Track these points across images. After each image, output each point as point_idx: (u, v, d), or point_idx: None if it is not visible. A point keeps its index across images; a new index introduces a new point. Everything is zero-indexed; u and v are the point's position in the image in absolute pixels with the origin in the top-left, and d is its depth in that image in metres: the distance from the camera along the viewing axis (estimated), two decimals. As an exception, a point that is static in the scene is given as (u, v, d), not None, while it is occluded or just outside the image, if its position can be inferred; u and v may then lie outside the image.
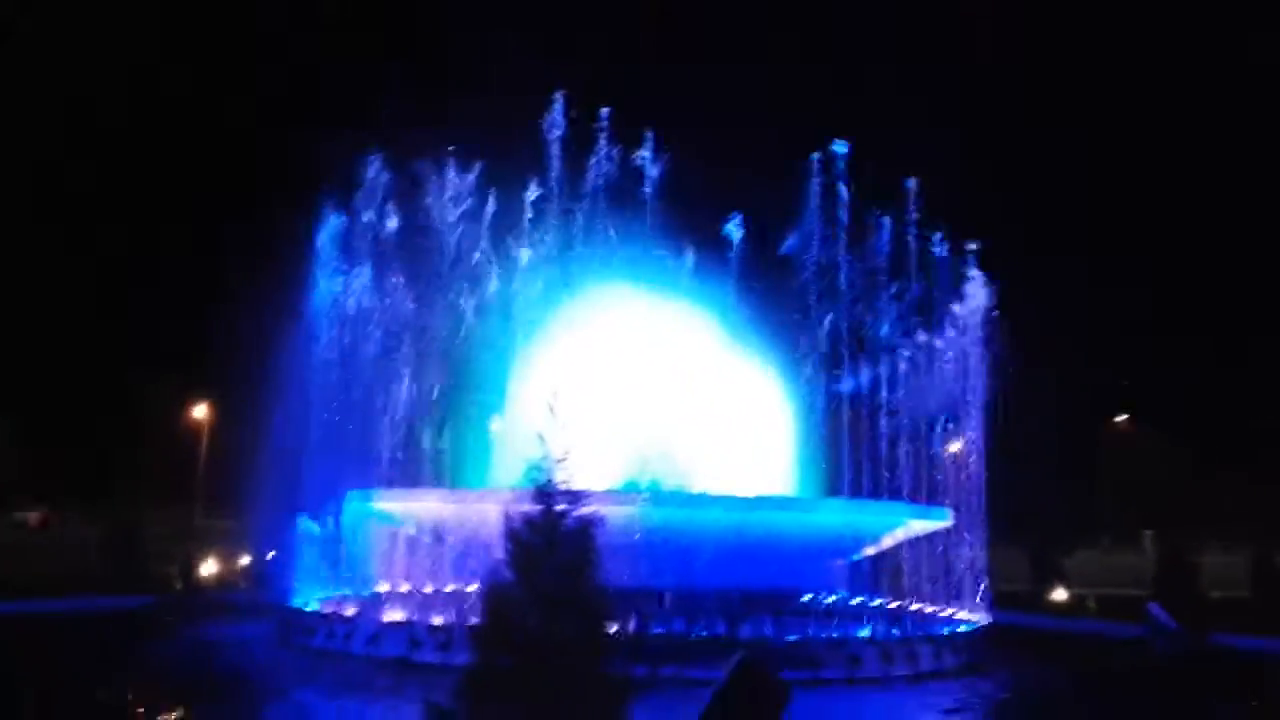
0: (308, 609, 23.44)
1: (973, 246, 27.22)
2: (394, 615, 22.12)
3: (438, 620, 20.84)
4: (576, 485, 9.53)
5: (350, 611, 22.58)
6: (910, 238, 27.97)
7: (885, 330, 28.08)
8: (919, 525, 24.83)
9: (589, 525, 9.33)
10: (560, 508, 9.22)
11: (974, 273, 27.17)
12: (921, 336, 27.93)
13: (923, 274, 27.54)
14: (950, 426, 27.26)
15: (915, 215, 28.01)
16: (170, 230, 52.20)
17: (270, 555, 32.57)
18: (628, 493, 21.21)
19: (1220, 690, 16.92)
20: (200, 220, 51.55)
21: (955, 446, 28.01)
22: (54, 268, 48.48)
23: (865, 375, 28.00)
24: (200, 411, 48.82)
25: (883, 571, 26.30)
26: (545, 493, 9.33)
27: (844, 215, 28.24)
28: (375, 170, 28.24)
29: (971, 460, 27.15)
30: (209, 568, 33.58)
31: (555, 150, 28.24)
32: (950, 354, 27.30)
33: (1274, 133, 51.29)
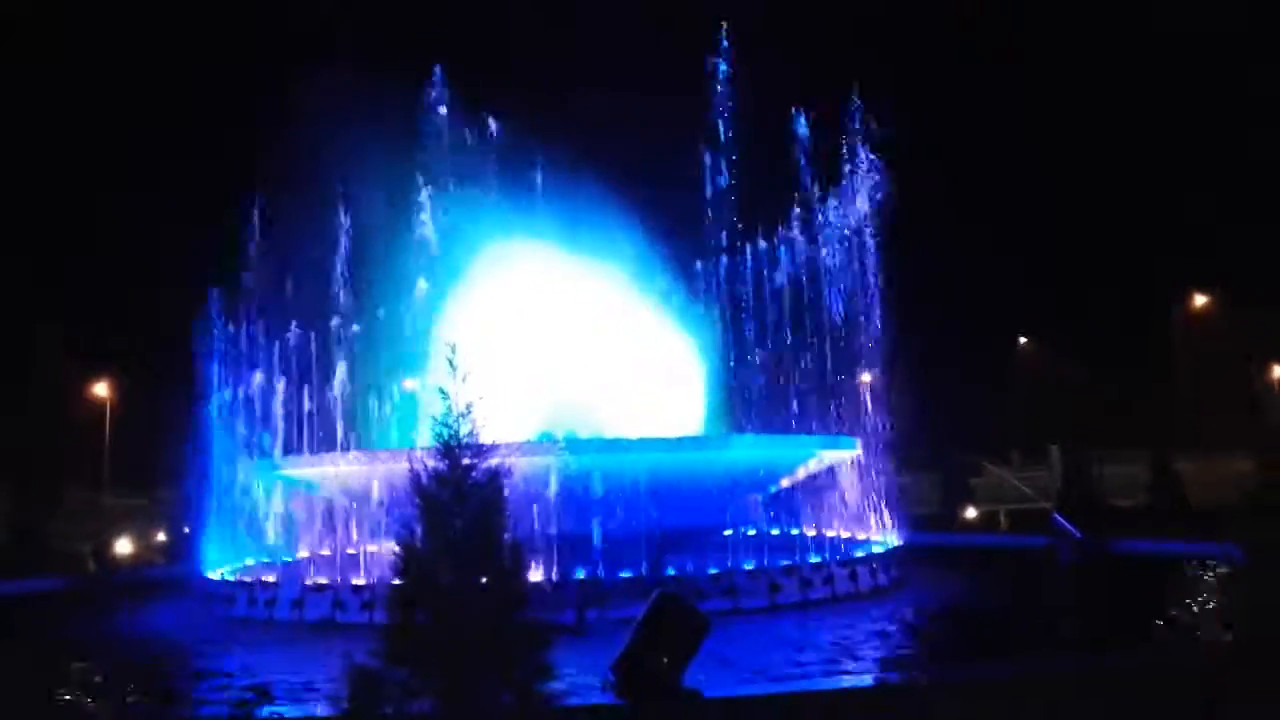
0: (228, 579, 23.22)
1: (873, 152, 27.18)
2: (317, 580, 22.01)
3: (359, 581, 20.82)
4: (485, 438, 9.56)
5: (271, 578, 22.41)
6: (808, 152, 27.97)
7: (788, 260, 28.35)
8: (829, 455, 25.40)
9: (497, 476, 9.37)
10: (466, 461, 9.25)
11: (874, 177, 27.26)
12: (824, 258, 28.20)
13: (823, 188, 27.70)
14: (858, 358, 27.76)
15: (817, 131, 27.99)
16: (70, 207, 50.22)
17: (186, 529, 32.07)
18: (543, 443, 21.28)
19: (1113, 589, 17.76)
20: (101, 196, 49.69)
21: (865, 378, 28.57)
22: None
23: (770, 311, 28.35)
24: (102, 389, 47.36)
25: (799, 503, 26.87)
26: (451, 447, 9.34)
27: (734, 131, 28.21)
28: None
29: (879, 389, 27.73)
30: (123, 546, 32.91)
31: (441, 114, 27.89)
32: (853, 281, 27.70)
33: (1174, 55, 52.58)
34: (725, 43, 28.50)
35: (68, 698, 10.18)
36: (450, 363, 9.52)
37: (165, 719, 10.30)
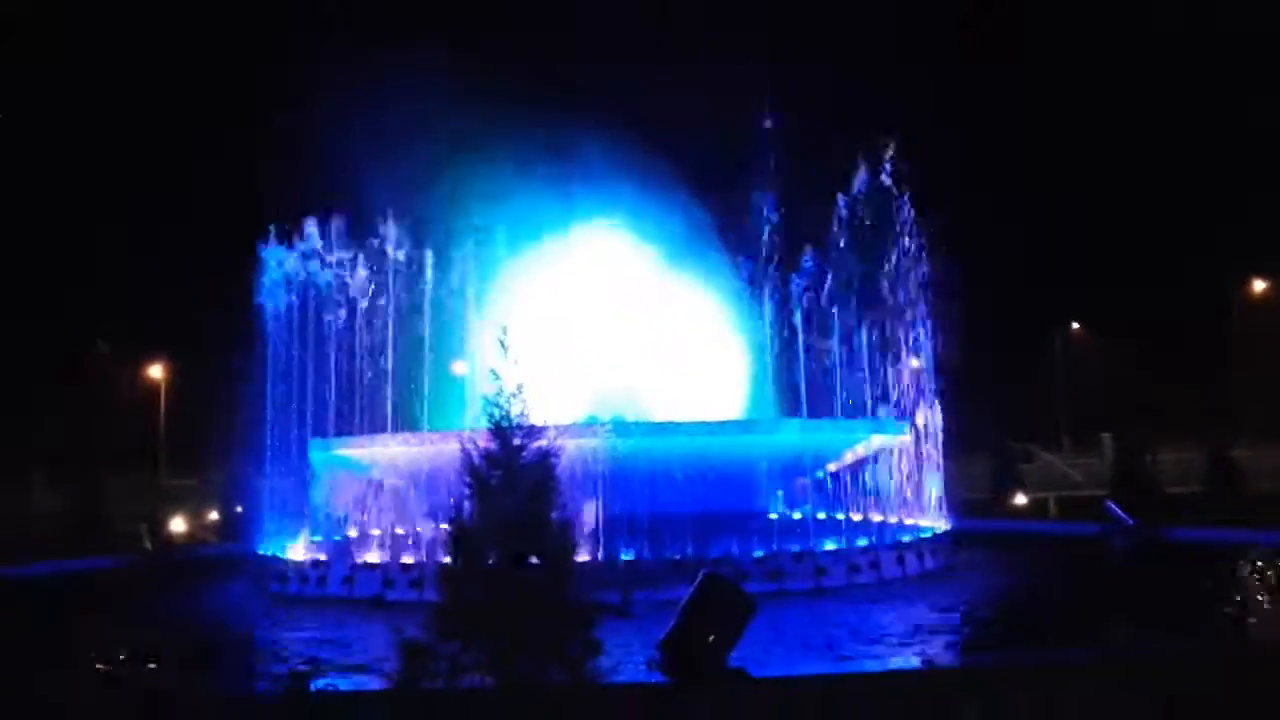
0: (281, 557, 23.60)
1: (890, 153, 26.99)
2: (367, 558, 22.32)
3: (408, 560, 21.08)
4: (535, 420, 9.65)
5: (323, 557, 22.76)
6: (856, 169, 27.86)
7: (837, 255, 28.16)
8: (878, 440, 25.25)
9: (547, 456, 9.46)
10: (517, 442, 9.34)
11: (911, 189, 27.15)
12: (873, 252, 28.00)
13: (863, 201, 27.51)
14: (905, 344, 27.53)
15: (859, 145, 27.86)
16: (117, 193, 51.06)
17: (239, 509, 32.61)
18: (590, 425, 21.37)
19: (1166, 577, 17.51)
20: (145, 181, 50.49)
21: (914, 362, 28.33)
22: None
23: (820, 297, 28.15)
24: (156, 372, 48.22)
25: (847, 486, 26.72)
26: (502, 428, 9.44)
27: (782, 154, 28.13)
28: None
29: (928, 373, 27.49)
30: (178, 526, 33.51)
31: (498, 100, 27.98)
32: (901, 270, 27.45)
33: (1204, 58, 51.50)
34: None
35: (124, 669, 10.42)
36: (501, 344, 9.61)
37: (219, 690, 10.52)
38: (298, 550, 24.00)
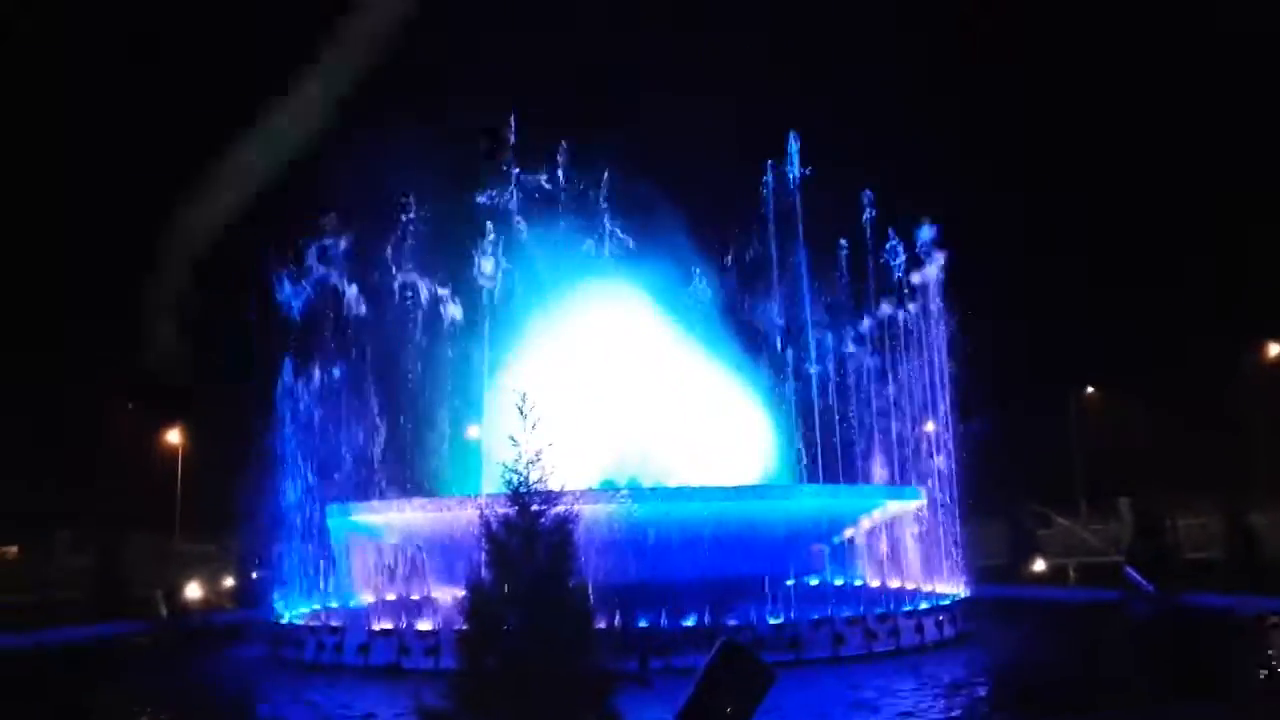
0: (296, 623, 23.55)
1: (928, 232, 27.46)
2: (382, 625, 22.25)
3: (425, 626, 21.01)
4: (552, 485, 9.73)
5: (338, 623, 22.70)
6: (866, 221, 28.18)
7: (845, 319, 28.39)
8: (893, 506, 25.19)
9: (565, 523, 9.53)
10: (536, 508, 9.43)
11: (930, 253, 27.46)
12: (883, 313, 28.21)
13: (876, 257, 27.80)
14: (919, 409, 27.60)
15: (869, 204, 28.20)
16: (139, 253, 51.76)
17: (255, 574, 32.60)
18: (607, 490, 21.40)
19: (1190, 644, 17.36)
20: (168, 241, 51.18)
21: (928, 426, 28.37)
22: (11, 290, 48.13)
23: (829, 362, 28.31)
24: (174, 437, 48.54)
25: (863, 553, 26.63)
26: (521, 494, 9.53)
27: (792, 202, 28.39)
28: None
29: (943, 440, 27.51)
30: (193, 592, 33.52)
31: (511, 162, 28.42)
32: (911, 335, 27.64)
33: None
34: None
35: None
36: (520, 410, 9.74)
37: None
38: (313, 617, 23.97)
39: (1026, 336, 47.02)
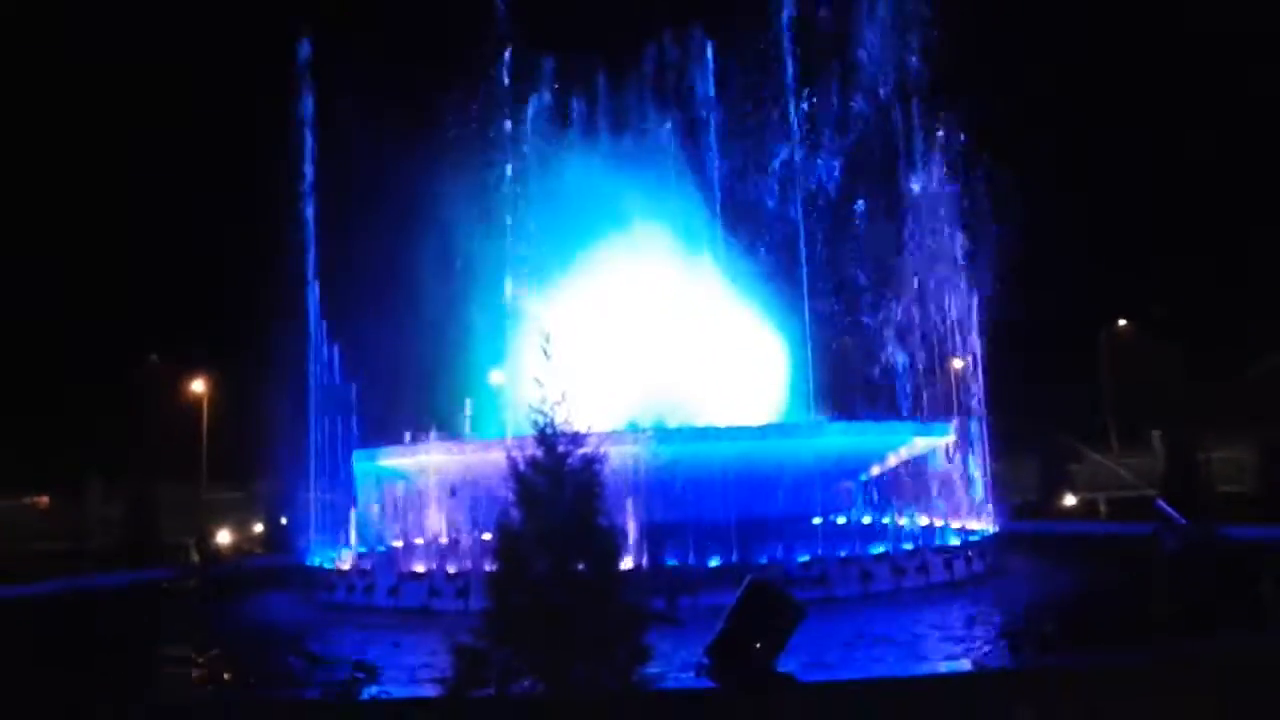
0: (327, 568, 23.78)
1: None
2: (413, 568, 22.43)
3: (453, 569, 21.15)
4: (578, 426, 9.64)
5: (368, 567, 22.91)
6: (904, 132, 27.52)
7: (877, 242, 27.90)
8: (922, 442, 25.01)
9: (593, 463, 9.45)
10: (562, 449, 9.34)
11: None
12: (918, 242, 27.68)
13: (914, 168, 27.21)
14: (950, 338, 27.26)
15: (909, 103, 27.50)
16: (153, 207, 51.80)
17: (283, 520, 32.92)
18: (632, 432, 21.33)
19: (1223, 575, 17.19)
20: (184, 195, 51.18)
21: (957, 363, 28.07)
22: (35, 249, 48.36)
23: (861, 295, 27.94)
24: (198, 385, 48.86)
25: (893, 489, 26.48)
26: (547, 435, 9.44)
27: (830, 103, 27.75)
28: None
29: (973, 373, 27.22)
30: (223, 538, 33.93)
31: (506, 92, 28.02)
32: (942, 264, 27.21)
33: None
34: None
35: (179, 679, 10.56)
36: (545, 351, 9.62)
37: (273, 698, 10.60)
38: (344, 561, 24.18)
39: (1058, 268, 46.09)
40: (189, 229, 49.24)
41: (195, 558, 31.03)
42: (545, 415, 9.45)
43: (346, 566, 23.44)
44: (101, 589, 25.46)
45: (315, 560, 24.63)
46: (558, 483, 9.39)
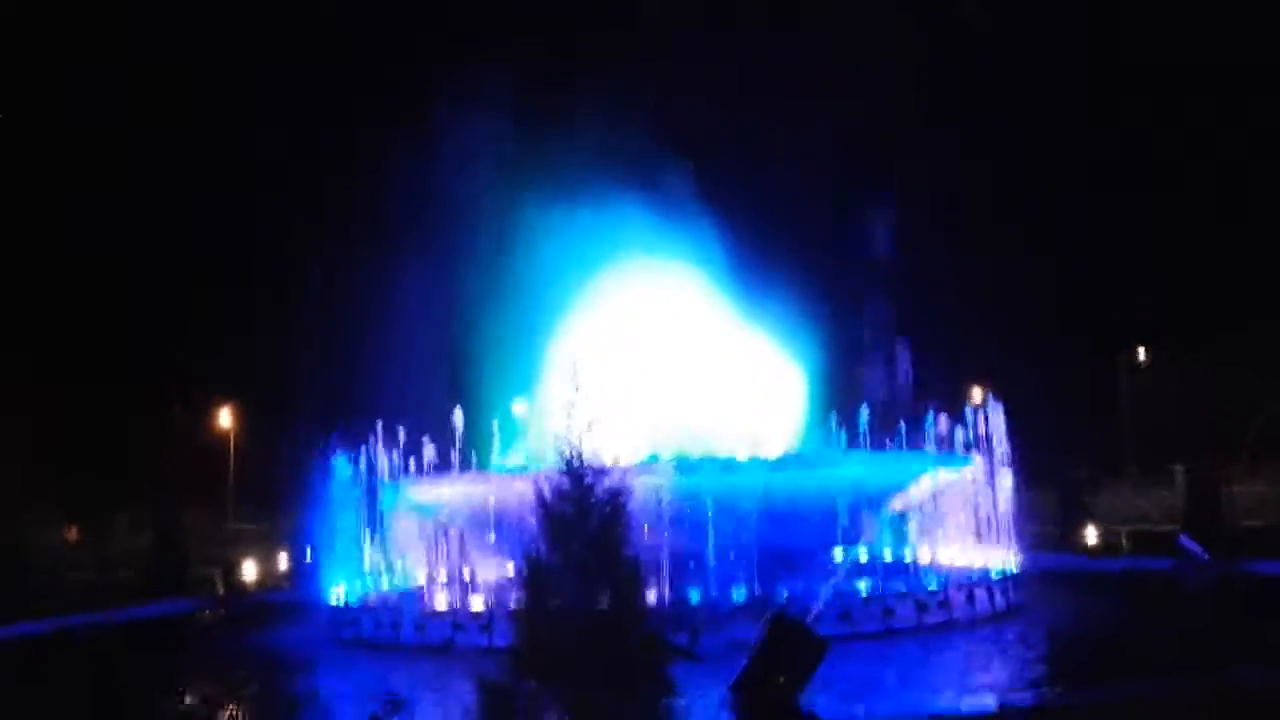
0: (352, 603, 23.89)
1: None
2: (437, 602, 22.54)
3: (478, 603, 21.25)
4: (604, 457, 9.78)
5: (393, 602, 23.03)
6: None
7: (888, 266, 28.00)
8: (943, 473, 24.97)
9: (618, 495, 9.57)
10: (588, 480, 9.47)
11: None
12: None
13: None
14: (969, 373, 27.29)
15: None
16: (194, 240, 52.16)
17: (309, 553, 33.06)
18: (654, 464, 21.44)
19: (1251, 612, 17.13)
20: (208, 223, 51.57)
21: (976, 393, 28.07)
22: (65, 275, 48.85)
23: (883, 321, 28.01)
24: (225, 418, 49.21)
25: (913, 523, 26.43)
26: (574, 466, 9.57)
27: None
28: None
29: (993, 404, 27.15)
30: (249, 571, 34.12)
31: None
32: (959, 292, 27.26)
33: None
34: None
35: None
36: (571, 378, 9.78)
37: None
38: (368, 595, 24.30)
39: (1078, 294, 45.67)
40: (213, 256, 49.54)
41: (221, 590, 31.28)
42: (571, 445, 9.59)
43: (371, 602, 23.55)
44: (131, 621, 25.62)
45: (340, 594, 24.75)
46: (583, 515, 9.51)
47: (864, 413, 27.33)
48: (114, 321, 49.64)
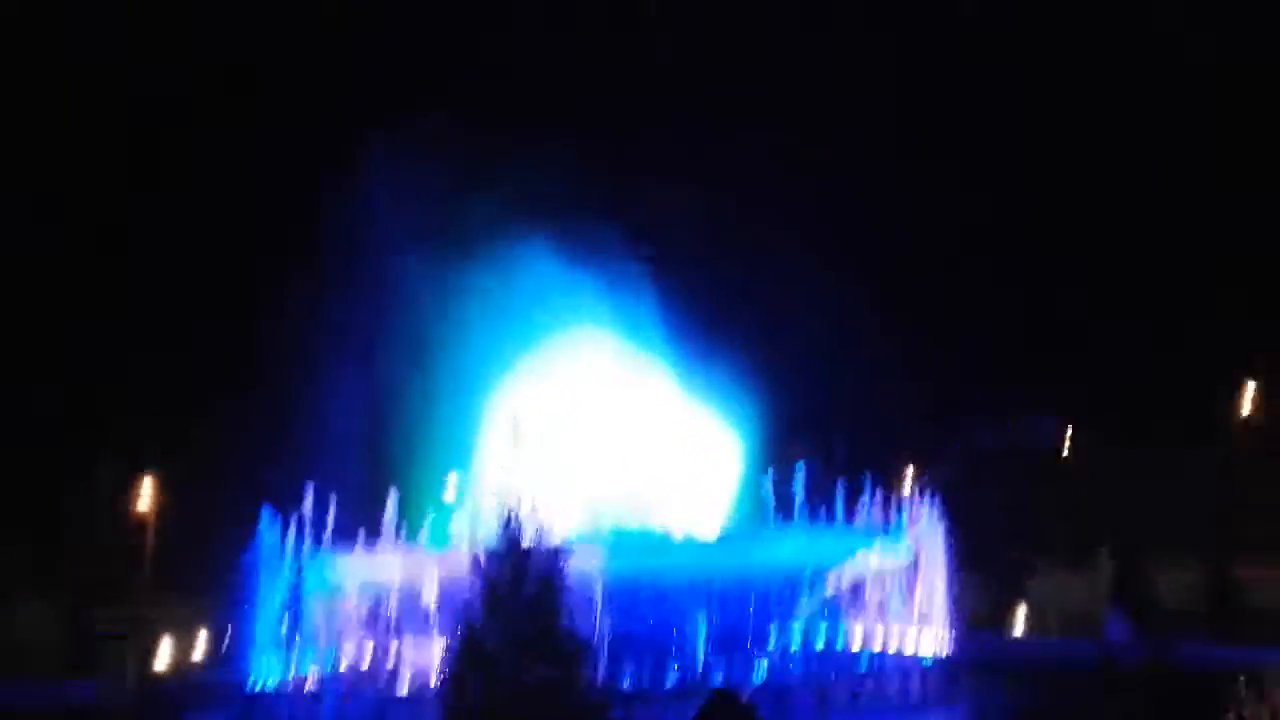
0: (270, 691, 23.01)
1: None
2: (358, 688, 21.84)
3: (407, 678, 20.67)
4: (540, 530, 9.66)
5: (313, 688, 22.26)
6: None
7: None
8: (878, 554, 25.03)
9: (555, 556, 9.46)
10: (525, 549, 9.34)
11: None
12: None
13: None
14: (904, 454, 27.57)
15: None
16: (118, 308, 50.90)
17: (228, 635, 31.91)
18: (590, 541, 21.19)
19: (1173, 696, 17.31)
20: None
21: (909, 473, 28.32)
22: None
23: (821, 408, 28.27)
24: (144, 502, 47.57)
25: (847, 602, 26.36)
26: (511, 537, 9.44)
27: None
28: None
29: (926, 491, 27.38)
30: (164, 651, 32.81)
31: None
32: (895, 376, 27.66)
33: None
34: None
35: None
36: (511, 438, 9.71)
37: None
38: (289, 679, 23.43)
39: (999, 378, 46.22)
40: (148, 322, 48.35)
41: (131, 672, 29.96)
42: (510, 517, 9.47)
43: (290, 689, 22.70)
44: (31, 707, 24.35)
45: (260, 678, 23.82)
46: (518, 580, 9.36)
47: (799, 487, 27.34)
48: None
